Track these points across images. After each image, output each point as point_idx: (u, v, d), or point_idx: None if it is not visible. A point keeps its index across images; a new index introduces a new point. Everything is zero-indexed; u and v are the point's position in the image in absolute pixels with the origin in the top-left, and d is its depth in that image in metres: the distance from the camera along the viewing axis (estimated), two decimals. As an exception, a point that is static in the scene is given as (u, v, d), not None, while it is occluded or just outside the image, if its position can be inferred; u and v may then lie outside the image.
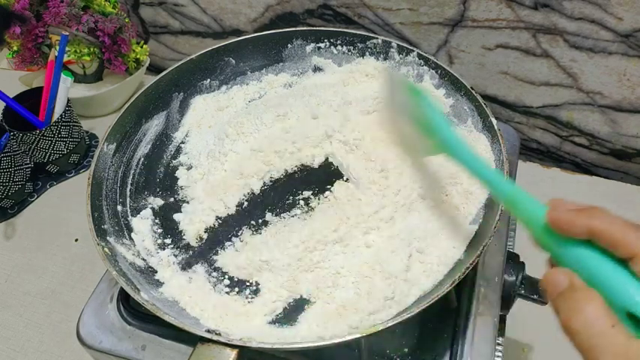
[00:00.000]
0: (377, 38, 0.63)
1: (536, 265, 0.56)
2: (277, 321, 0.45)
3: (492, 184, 0.39)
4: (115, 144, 0.55)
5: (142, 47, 0.91)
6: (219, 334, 0.40)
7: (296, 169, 0.56)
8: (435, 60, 0.60)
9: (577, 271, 0.29)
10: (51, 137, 0.77)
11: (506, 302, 0.51)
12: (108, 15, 0.85)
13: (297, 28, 0.66)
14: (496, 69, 0.80)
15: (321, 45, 0.66)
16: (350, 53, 0.65)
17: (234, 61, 0.65)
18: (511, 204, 0.36)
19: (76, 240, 0.75)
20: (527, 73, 0.79)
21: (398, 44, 0.62)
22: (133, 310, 0.50)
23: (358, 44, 0.65)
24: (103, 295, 0.52)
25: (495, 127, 0.53)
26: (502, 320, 0.52)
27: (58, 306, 0.68)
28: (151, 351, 0.48)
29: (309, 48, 0.66)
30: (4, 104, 0.76)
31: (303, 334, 0.43)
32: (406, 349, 0.47)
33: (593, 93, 0.77)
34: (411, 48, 0.62)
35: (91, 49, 0.86)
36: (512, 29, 0.75)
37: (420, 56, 0.61)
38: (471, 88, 0.57)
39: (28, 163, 0.79)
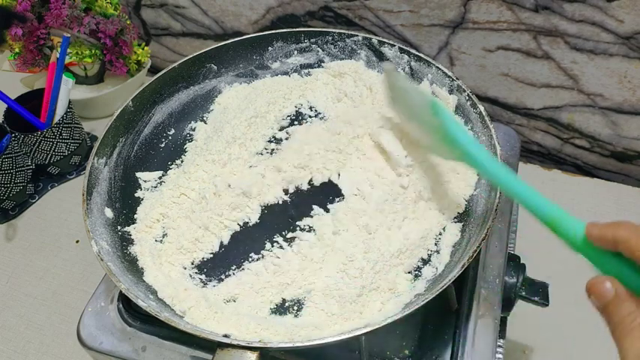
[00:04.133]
0: (357, 35, 0.64)
1: (536, 266, 0.57)
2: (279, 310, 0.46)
3: (533, 205, 0.38)
4: (104, 158, 0.55)
5: (143, 49, 0.91)
6: (238, 339, 0.40)
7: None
8: (417, 53, 0.61)
9: (618, 279, 0.31)
10: (52, 139, 0.77)
11: (507, 304, 0.51)
12: (109, 17, 0.85)
13: (278, 30, 0.66)
14: (497, 71, 0.80)
15: (303, 45, 0.66)
16: (336, 52, 0.66)
17: (215, 68, 0.65)
18: (553, 223, 0.36)
19: (77, 241, 0.75)
20: (528, 74, 0.79)
21: (379, 39, 0.63)
22: (134, 312, 0.50)
23: (339, 43, 0.65)
24: (104, 296, 0.52)
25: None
26: (503, 322, 0.52)
27: (59, 307, 0.68)
28: (151, 352, 0.48)
29: (291, 49, 0.66)
30: (5, 106, 0.76)
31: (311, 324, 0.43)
32: (407, 351, 0.47)
33: (594, 95, 0.77)
34: (392, 43, 0.62)
35: (93, 51, 0.86)
36: (513, 31, 0.75)
37: (401, 50, 0.62)
38: (456, 77, 0.57)
39: (29, 165, 0.79)
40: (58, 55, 0.77)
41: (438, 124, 0.47)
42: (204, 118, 0.64)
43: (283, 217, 0.52)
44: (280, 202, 0.54)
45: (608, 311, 0.30)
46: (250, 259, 0.50)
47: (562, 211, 0.36)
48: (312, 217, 0.52)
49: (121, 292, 0.51)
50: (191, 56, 0.63)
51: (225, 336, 0.40)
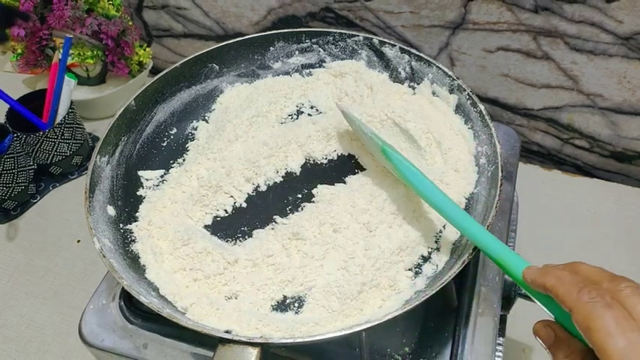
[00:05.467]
0: (358, 35, 0.64)
1: (537, 264, 0.57)
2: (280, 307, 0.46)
3: (485, 244, 0.40)
4: (107, 156, 0.55)
5: (145, 50, 0.91)
6: (239, 334, 0.40)
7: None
8: (418, 53, 0.61)
9: (556, 317, 0.33)
10: (54, 139, 0.77)
11: (506, 302, 0.52)
12: (111, 18, 0.86)
13: (279, 30, 0.66)
14: (497, 71, 0.80)
15: (304, 45, 0.66)
16: (337, 52, 0.66)
17: (217, 67, 0.66)
18: (501, 263, 0.39)
19: (78, 241, 0.75)
20: (528, 75, 0.79)
21: (379, 40, 0.63)
22: (135, 309, 0.50)
23: (340, 43, 0.65)
24: (105, 294, 0.52)
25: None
26: (502, 320, 0.52)
27: (60, 306, 0.68)
28: (152, 349, 0.48)
29: (293, 49, 0.67)
30: (8, 106, 0.76)
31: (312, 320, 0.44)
32: (407, 348, 0.47)
33: (594, 95, 0.77)
34: (393, 43, 0.62)
35: (95, 52, 0.86)
36: (513, 32, 0.75)
37: (402, 50, 0.62)
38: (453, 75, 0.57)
39: (31, 165, 0.79)
40: (60, 56, 0.78)
41: (391, 166, 0.50)
42: (206, 118, 0.64)
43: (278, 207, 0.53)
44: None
45: (551, 352, 0.33)
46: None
47: (509, 252, 0.39)
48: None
49: (122, 289, 0.51)
50: (193, 56, 0.64)
51: (227, 332, 0.41)
